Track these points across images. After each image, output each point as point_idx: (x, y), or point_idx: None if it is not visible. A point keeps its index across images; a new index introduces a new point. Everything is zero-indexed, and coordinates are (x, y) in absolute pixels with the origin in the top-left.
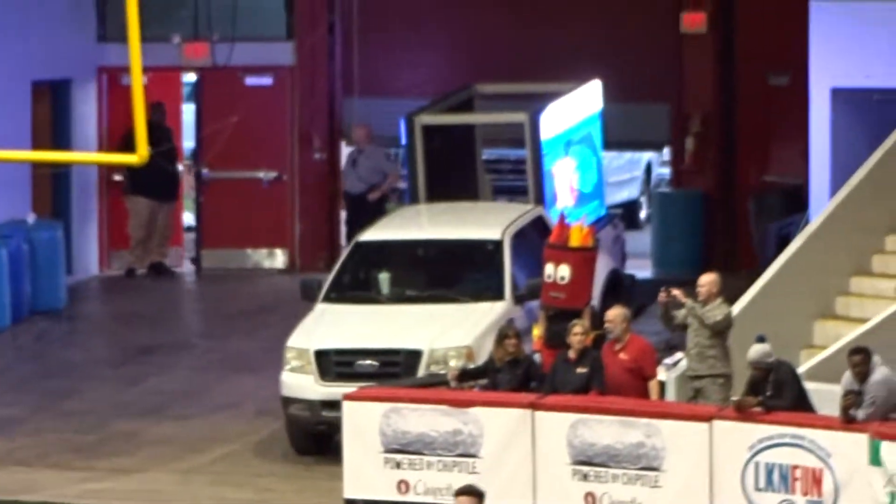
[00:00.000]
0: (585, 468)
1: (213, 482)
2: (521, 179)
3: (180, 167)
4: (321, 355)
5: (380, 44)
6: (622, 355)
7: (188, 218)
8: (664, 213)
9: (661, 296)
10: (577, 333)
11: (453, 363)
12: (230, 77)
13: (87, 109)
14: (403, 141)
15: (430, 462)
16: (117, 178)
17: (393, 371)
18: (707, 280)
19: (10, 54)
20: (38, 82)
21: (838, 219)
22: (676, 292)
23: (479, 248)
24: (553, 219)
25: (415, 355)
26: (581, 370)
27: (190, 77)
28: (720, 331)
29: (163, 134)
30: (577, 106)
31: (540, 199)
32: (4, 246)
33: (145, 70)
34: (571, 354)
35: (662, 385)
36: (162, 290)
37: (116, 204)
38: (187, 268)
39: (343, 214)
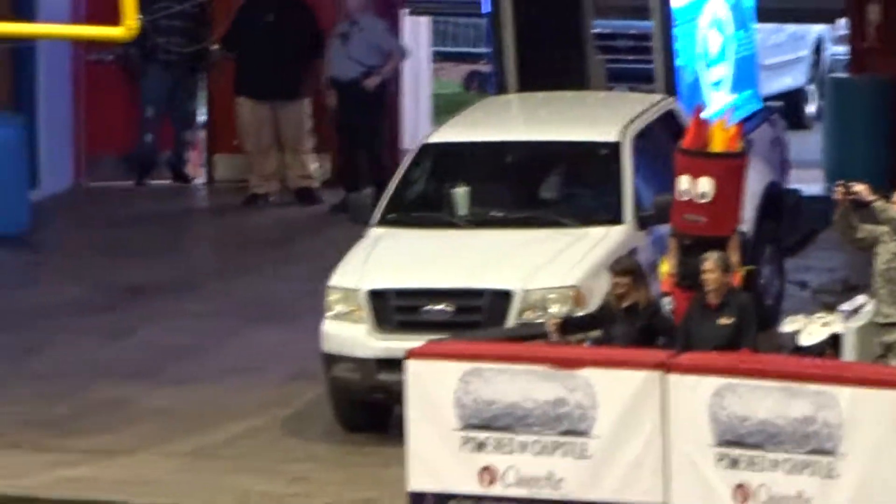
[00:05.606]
0: (735, 451)
1: (227, 469)
2: (646, 61)
3: None
4: (377, 298)
5: None
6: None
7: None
8: (840, 107)
9: (838, 191)
10: (708, 270)
11: (555, 309)
12: None
13: None
14: (485, 8)
15: (523, 443)
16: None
17: (473, 319)
18: None
19: None
20: None
21: None
22: (860, 188)
23: (590, 154)
24: (688, 114)
25: (503, 298)
26: (725, 321)
27: None
28: None
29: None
30: None
31: (672, 88)
32: None
33: None
34: (712, 299)
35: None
36: (159, 211)
37: (100, 94)
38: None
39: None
